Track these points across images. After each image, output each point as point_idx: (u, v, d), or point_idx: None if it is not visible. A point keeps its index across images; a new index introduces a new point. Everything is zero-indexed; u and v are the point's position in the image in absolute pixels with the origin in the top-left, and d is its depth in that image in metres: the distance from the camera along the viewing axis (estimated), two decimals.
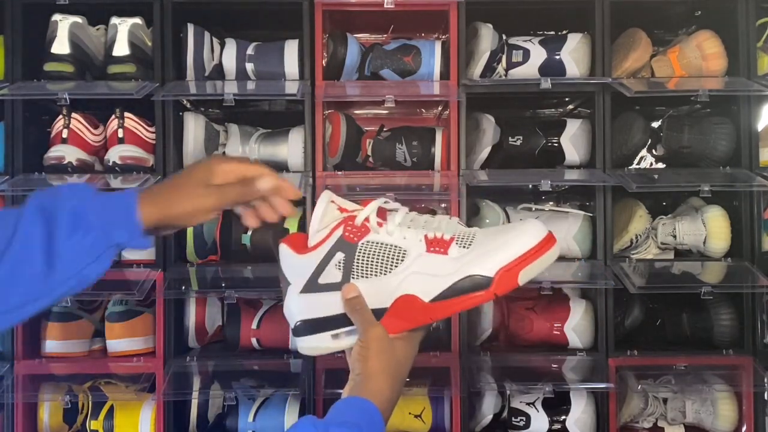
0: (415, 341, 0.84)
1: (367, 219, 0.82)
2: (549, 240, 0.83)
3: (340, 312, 0.82)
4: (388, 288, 0.81)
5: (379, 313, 0.81)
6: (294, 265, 0.84)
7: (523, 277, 0.79)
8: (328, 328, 0.83)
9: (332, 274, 0.82)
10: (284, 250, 0.84)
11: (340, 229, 0.82)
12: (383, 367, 0.79)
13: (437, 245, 0.81)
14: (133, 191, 0.80)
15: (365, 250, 0.81)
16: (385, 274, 0.81)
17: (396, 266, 0.81)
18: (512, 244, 0.80)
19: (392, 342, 0.80)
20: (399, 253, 0.81)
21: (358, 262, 0.81)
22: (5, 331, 0.73)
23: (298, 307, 0.83)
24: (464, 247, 0.80)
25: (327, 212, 0.84)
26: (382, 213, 0.84)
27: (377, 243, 0.82)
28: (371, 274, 0.81)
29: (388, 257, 0.81)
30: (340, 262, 0.81)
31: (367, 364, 0.79)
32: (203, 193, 0.81)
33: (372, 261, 0.81)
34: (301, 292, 0.83)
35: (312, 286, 0.82)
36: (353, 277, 0.81)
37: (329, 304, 0.82)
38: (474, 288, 0.79)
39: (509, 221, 1.63)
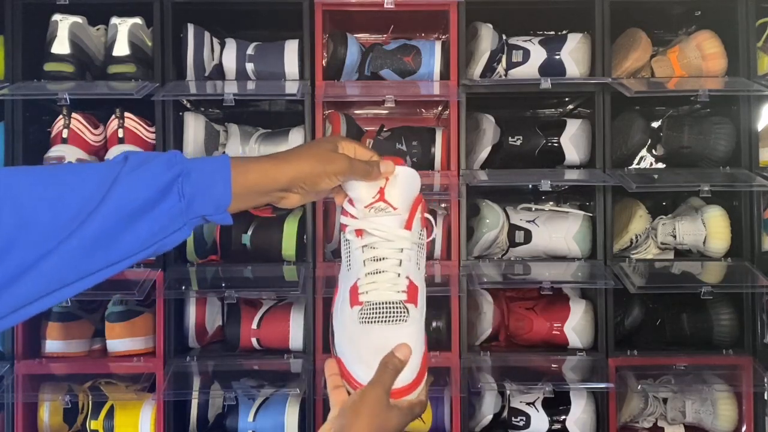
0: (408, 415, 0.84)
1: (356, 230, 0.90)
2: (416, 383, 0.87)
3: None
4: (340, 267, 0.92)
5: None
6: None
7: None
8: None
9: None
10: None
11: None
12: (370, 424, 0.79)
13: (353, 294, 0.88)
14: (224, 157, 0.78)
15: (343, 236, 0.92)
16: (343, 262, 0.92)
17: (344, 267, 0.92)
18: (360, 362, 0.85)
19: (389, 409, 0.81)
20: (348, 263, 0.91)
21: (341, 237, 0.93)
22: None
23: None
24: (360, 320, 0.87)
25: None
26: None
27: (345, 240, 0.91)
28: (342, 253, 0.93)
29: (346, 256, 0.91)
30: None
31: (356, 421, 0.79)
32: (335, 157, 0.83)
33: (342, 246, 0.92)
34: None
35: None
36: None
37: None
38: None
39: (509, 221, 1.63)
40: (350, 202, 0.90)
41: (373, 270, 0.86)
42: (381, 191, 0.87)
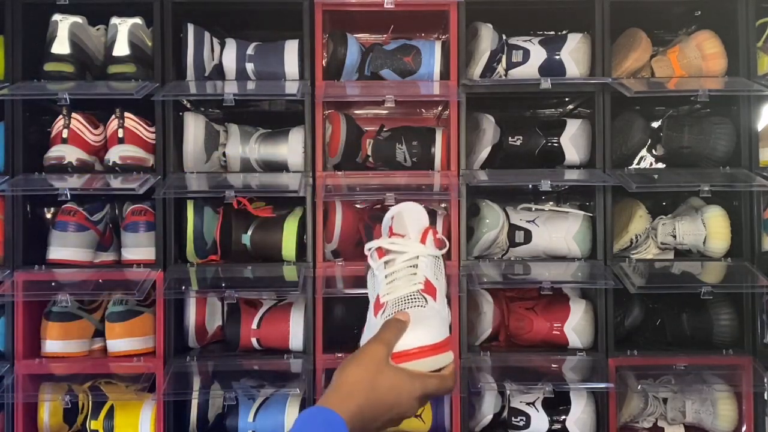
0: (417, 384, 0.82)
1: (376, 249, 0.97)
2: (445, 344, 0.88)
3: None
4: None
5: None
6: None
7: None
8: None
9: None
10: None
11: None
12: (355, 380, 0.78)
13: (376, 305, 0.93)
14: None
15: (368, 272, 1.00)
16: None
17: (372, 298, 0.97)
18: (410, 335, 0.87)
19: (385, 366, 0.81)
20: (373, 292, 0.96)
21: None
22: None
23: None
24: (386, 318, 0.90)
25: (384, 226, 1.03)
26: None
27: (370, 274, 0.99)
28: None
29: (371, 288, 0.98)
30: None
31: (342, 372, 0.79)
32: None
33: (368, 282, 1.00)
34: None
35: None
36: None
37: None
38: None
39: (509, 221, 1.63)
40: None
41: (392, 279, 0.93)
42: (390, 228, 0.98)
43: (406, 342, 0.85)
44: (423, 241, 0.96)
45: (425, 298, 0.92)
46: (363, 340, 0.90)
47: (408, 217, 0.98)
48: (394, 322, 0.86)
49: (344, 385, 0.78)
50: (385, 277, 0.93)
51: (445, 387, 0.85)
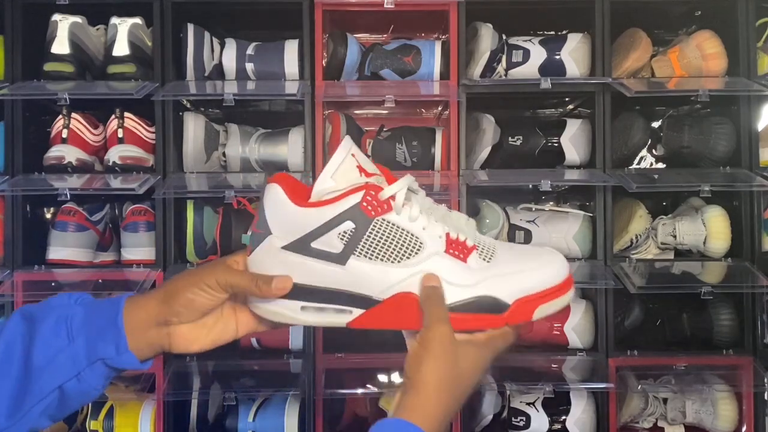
0: (487, 352, 0.70)
1: (393, 196, 0.70)
2: (570, 281, 0.73)
3: (322, 285, 0.71)
4: (389, 278, 0.70)
5: (362, 301, 0.71)
6: (285, 215, 0.71)
7: (539, 313, 0.72)
8: (300, 297, 0.71)
9: (332, 243, 0.69)
10: (276, 194, 0.71)
11: (358, 195, 0.69)
12: (439, 377, 0.65)
13: (458, 248, 0.71)
14: (121, 295, 0.71)
15: (380, 228, 0.69)
16: (392, 262, 0.70)
17: (407, 257, 0.70)
18: (536, 275, 0.71)
19: (458, 347, 0.67)
20: (415, 244, 0.70)
21: (367, 240, 0.69)
22: None
23: (272, 262, 0.71)
24: (485, 260, 0.71)
25: (344, 167, 0.71)
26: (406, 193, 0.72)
27: (395, 226, 0.70)
28: (377, 258, 0.70)
29: (402, 245, 0.70)
30: (346, 233, 0.69)
31: (420, 370, 0.65)
32: (210, 267, 0.73)
33: (383, 243, 0.69)
34: (284, 247, 0.71)
35: (302, 247, 0.70)
36: (355, 255, 0.69)
37: (313, 273, 0.70)
38: (486, 310, 0.70)
39: (509, 221, 1.63)
40: (371, 203, 0.70)
41: (443, 217, 0.73)
42: (359, 167, 0.72)
43: (529, 284, 0.70)
44: (389, 178, 0.73)
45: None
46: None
47: (361, 154, 0.74)
48: (430, 290, 0.68)
49: (427, 385, 0.65)
50: (433, 221, 0.71)
51: (509, 342, 0.73)
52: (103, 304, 0.70)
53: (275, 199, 0.71)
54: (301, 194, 0.71)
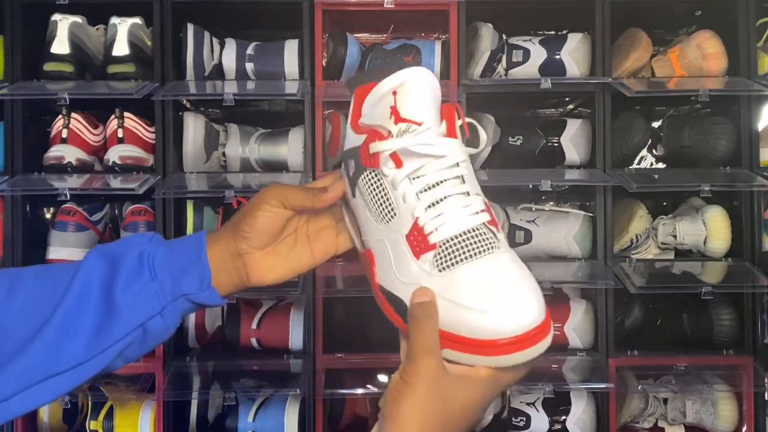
0: (488, 390, 0.60)
1: (378, 153, 0.64)
2: (527, 339, 0.58)
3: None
4: (370, 230, 0.67)
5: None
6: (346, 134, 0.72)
7: (447, 354, 0.60)
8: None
9: (349, 168, 0.69)
10: (354, 98, 0.70)
11: (360, 139, 0.67)
12: (422, 417, 0.56)
13: (417, 239, 0.62)
14: (200, 233, 0.71)
15: (369, 179, 0.66)
16: (374, 217, 0.66)
17: (383, 222, 0.65)
18: (469, 315, 0.59)
19: (448, 383, 0.58)
20: (390, 211, 0.64)
21: (361, 183, 0.67)
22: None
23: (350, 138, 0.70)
24: (438, 267, 0.61)
25: (381, 100, 0.65)
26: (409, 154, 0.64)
27: (380, 183, 0.65)
28: (366, 205, 0.67)
29: (380, 205, 0.65)
30: (351, 168, 0.68)
31: (399, 408, 0.56)
32: (265, 188, 0.73)
33: (369, 194, 0.66)
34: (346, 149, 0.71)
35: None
36: (356, 194, 0.68)
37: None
38: (402, 313, 0.63)
39: (509, 221, 1.63)
40: (371, 140, 0.66)
41: (433, 200, 0.63)
42: (392, 109, 0.64)
43: (489, 324, 0.57)
44: (451, 127, 0.66)
45: (494, 234, 0.63)
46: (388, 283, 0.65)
47: (420, 91, 0.66)
48: (421, 308, 0.60)
49: (405, 427, 0.56)
50: (418, 197, 0.63)
51: (520, 377, 0.61)
52: (183, 242, 0.70)
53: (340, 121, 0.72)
54: (354, 114, 0.70)
